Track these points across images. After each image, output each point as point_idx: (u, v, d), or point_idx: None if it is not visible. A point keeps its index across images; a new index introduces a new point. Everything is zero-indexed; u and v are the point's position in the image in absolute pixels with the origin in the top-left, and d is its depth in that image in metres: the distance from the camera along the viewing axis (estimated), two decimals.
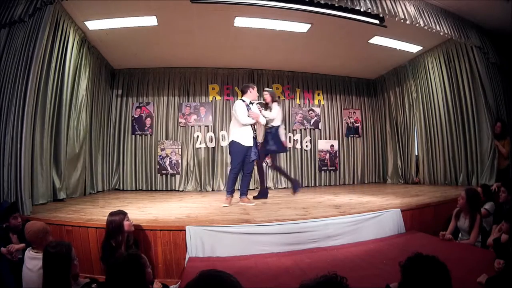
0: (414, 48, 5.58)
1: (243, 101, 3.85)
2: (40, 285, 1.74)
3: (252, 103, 3.95)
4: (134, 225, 2.41)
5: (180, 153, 6.26)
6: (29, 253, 2.01)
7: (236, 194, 3.92)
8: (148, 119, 6.30)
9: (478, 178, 4.64)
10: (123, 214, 2.33)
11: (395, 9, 3.97)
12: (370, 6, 3.83)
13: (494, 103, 4.57)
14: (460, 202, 2.78)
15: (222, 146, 6.37)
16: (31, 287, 1.87)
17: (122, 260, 1.44)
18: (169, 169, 6.19)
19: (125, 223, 2.29)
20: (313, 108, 6.97)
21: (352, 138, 7.19)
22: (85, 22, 4.40)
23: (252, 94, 3.94)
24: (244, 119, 3.73)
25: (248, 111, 3.77)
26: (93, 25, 4.48)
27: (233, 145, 3.78)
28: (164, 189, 6.15)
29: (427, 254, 1.27)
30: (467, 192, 2.75)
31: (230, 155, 3.94)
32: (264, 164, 4.70)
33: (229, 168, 3.97)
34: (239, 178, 3.97)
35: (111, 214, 2.32)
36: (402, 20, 4.02)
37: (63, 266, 1.66)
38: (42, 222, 2.25)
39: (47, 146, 3.79)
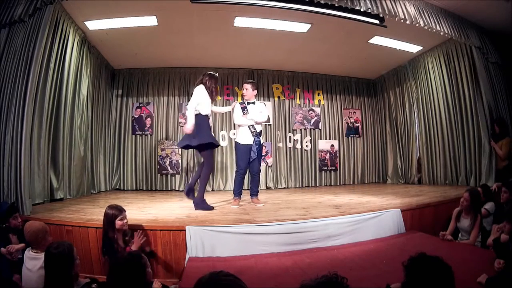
0: (414, 48, 5.58)
1: (242, 103, 3.81)
2: (40, 285, 1.74)
3: (250, 103, 3.77)
4: (134, 225, 2.40)
5: (180, 153, 6.26)
6: (28, 253, 2.00)
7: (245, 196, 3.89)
8: (148, 119, 6.31)
9: (477, 178, 4.64)
10: (118, 211, 2.30)
11: (395, 9, 3.96)
12: (370, 6, 3.83)
13: (493, 103, 4.57)
14: (464, 204, 2.76)
15: (222, 146, 6.38)
16: (30, 287, 1.87)
17: (123, 260, 1.46)
18: (169, 169, 6.19)
19: (117, 222, 2.26)
20: (313, 108, 6.97)
21: (352, 138, 7.19)
22: (85, 22, 4.40)
23: (247, 92, 3.79)
24: (237, 120, 3.79)
25: (243, 112, 3.73)
26: (93, 25, 4.48)
27: (235, 146, 3.81)
28: (164, 189, 6.16)
29: (431, 254, 1.26)
30: (470, 193, 2.75)
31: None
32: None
33: (234, 170, 3.91)
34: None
35: (109, 206, 2.33)
36: (402, 20, 4.02)
37: (66, 266, 1.66)
38: (41, 222, 2.24)
39: (45, 146, 3.79)
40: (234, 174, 3.87)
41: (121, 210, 2.32)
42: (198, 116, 3.39)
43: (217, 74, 3.64)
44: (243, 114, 3.72)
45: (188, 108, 3.41)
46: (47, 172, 3.88)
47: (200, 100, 3.41)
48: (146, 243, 2.41)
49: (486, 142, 4.53)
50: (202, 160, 3.68)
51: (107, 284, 1.44)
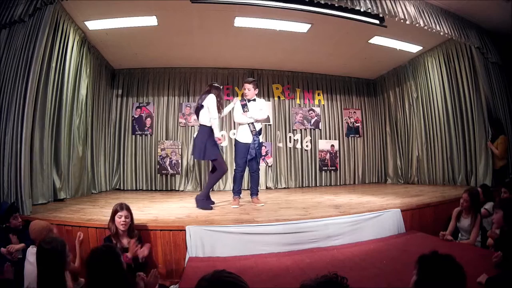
0: (414, 48, 5.58)
1: (242, 100, 3.82)
2: None
3: (251, 100, 3.75)
4: (138, 225, 2.40)
5: (180, 153, 6.26)
6: (31, 249, 2.03)
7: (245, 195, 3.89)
8: (148, 119, 6.30)
9: (476, 179, 4.64)
10: (120, 207, 2.29)
11: (395, 9, 3.96)
12: (370, 6, 3.83)
13: (492, 103, 4.56)
14: (464, 205, 2.76)
15: (221, 146, 6.37)
16: (31, 280, 1.88)
17: (98, 250, 1.55)
18: (169, 169, 6.19)
19: (116, 218, 2.26)
20: (313, 108, 6.97)
21: (353, 138, 7.19)
22: (85, 22, 4.40)
23: (249, 92, 3.76)
24: (237, 118, 3.78)
25: (243, 109, 3.72)
26: (93, 25, 4.48)
27: (235, 143, 3.82)
28: (164, 189, 6.16)
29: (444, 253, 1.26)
30: (470, 194, 2.75)
31: None
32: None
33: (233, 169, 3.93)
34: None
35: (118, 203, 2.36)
36: (402, 20, 4.02)
37: (58, 262, 1.65)
38: (46, 222, 2.27)
39: (47, 146, 3.79)
40: (234, 173, 3.88)
41: (122, 208, 2.30)
42: (205, 128, 3.52)
43: (221, 86, 3.76)
44: (243, 112, 3.72)
45: (213, 122, 3.50)
46: (50, 173, 3.89)
47: (213, 113, 3.51)
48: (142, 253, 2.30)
49: (483, 142, 4.53)
50: (211, 165, 3.74)
51: (88, 275, 1.49)
